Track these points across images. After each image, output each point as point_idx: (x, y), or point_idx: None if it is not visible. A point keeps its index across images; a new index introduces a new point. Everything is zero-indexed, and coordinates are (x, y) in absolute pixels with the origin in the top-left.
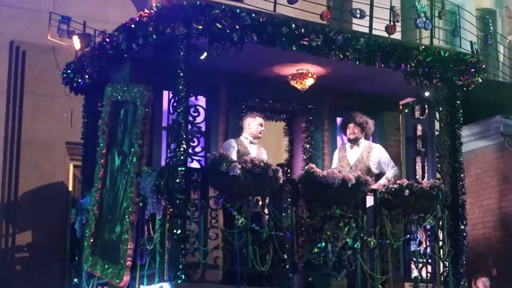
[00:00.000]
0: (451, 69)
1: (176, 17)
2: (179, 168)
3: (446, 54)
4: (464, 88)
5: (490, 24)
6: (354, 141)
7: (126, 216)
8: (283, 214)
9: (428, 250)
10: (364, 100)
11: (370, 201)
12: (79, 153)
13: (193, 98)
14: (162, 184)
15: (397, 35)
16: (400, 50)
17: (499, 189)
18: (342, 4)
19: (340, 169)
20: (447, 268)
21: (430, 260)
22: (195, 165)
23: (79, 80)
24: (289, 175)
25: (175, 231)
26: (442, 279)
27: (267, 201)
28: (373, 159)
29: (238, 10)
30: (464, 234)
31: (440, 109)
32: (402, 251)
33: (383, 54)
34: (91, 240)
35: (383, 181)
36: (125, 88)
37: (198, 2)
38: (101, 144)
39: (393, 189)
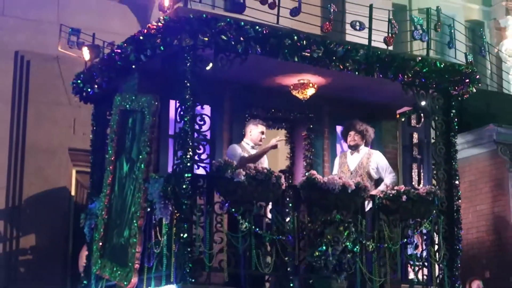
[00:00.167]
0: (447, 79)
1: (183, 30)
2: (186, 175)
3: (442, 65)
4: (459, 98)
5: (484, 36)
6: (354, 148)
7: (134, 221)
8: (286, 218)
9: (425, 253)
10: (363, 109)
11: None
12: (81, 159)
13: (199, 107)
14: (169, 190)
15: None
16: (398, 61)
17: (492, 195)
18: (338, 16)
19: (341, 175)
20: (442, 271)
21: (426, 263)
22: (201, 171)
23: (89, 89)
24: (290, 181)
25: (181, 235)
26: (438, 281)
27: (269, 206)
28: (372, 165)
29: (242, 23)
30: (459, 238)
31: (436, 118)
32: (400, 254)
33: (382, 65)
34: (100, 243)
35: (382, 187)
36: (133, 97)
37: (204, 15)
38: (110, 152)
39: (391, 195)
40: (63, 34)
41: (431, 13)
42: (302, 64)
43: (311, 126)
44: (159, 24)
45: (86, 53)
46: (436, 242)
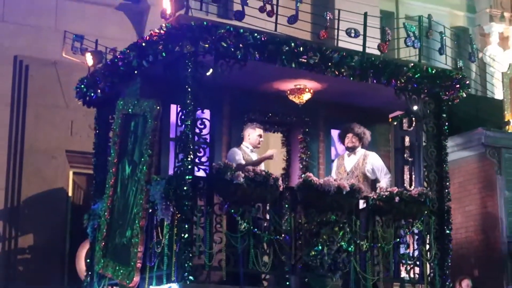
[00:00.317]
0: (438, 85)
1: (184, 37)
2: (187, 177)
3: (434, 71)
4: (449, 103)
5: (474, 43)
6: (351, 150)
7: (136, 221)
8: (283, 219)
9: (416, 252)
10: (357, 113)
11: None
12: (78, 160)
13: (199, 112)
14: (171, 192)
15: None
16: (391, 67)
17: (480, 196)
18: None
19: (338, 176)
20: (433, 270)
21: (418, 262)
22: (201, 174)
23: (92, 94)
24: (286, 183)
25: (182, 235)
26: (429, 280)
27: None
28: (368, 166)
29: (241, 30)
30: (450, 238)
31: (428, 122)
32: (392, 253)
33: (375, 71)
34: (103, 243)
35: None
36: (136, 102)
37: (205, 23)
38: (113, 154)
39: (384, 196)
40: (65, 40)
41: (422, 21)
42: (299, 70)
43: (307, 129)
44: (161, 31)
45: (89, 59)
46: (428, 242)
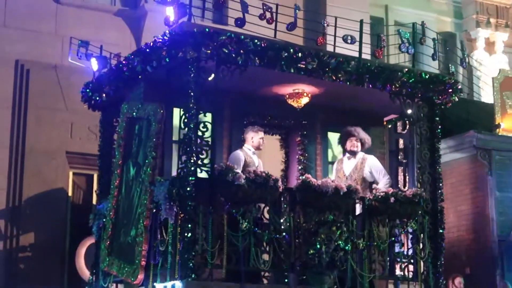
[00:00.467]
0: (431, 89)
1: (187, 43)
2: (190, 178)
3: (427, 76)
4: (442, 106)
5: (465, 48)
6: (353, 153)
7: (141, 221)
8: (282, 219)
9: (411, 251)
10: (353, 116)
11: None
12: (78, 161)
13: (201, 115)
14: (174, 192)
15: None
16: (386, 73)
17: (472, 196)
18: (320, 28)
19: (337, 179)
20: (427, 268)
21: (412, 260)
22: (203, 175)
23: (97, 98)
24: (285, 184)
25: (185, 234)
26: (423, 277)
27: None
28: (366, 169)
29: (242, 37)
30: (443, 237)
31: (421, 125)
32: (388, 252)
33: (371, 76)
34: (108, 242)
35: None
36: (140, 105)
37: (207, 29)
38: (117, 156)
39: (379, 197)
40: (70, 46)
41: (416, 28)
42: (298, 75)
43: (305, 132)
44: (165, 37)
45: (94, 64)
46: (421, 241)
